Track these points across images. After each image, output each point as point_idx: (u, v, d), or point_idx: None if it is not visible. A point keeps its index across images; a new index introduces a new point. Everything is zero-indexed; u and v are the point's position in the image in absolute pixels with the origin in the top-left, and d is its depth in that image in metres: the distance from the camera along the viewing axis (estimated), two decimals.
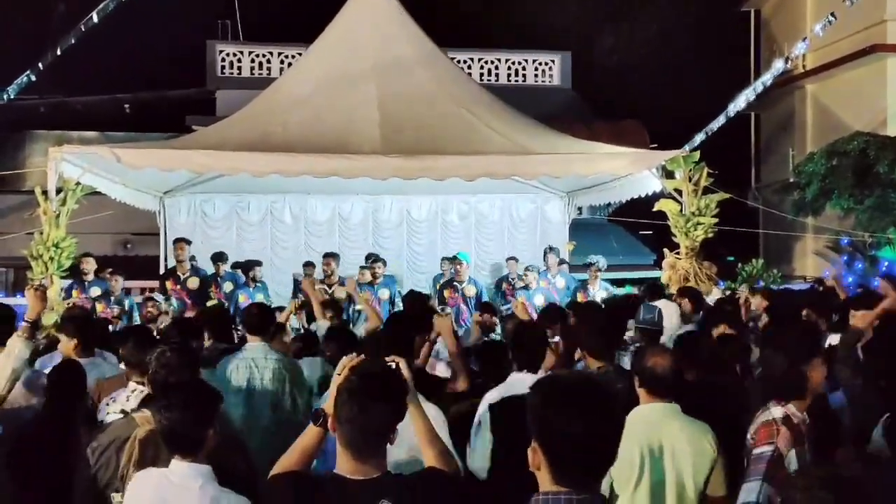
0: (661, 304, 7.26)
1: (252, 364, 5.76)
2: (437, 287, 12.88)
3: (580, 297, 11.60)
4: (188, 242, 12.33)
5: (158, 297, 11.12)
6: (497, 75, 23.15)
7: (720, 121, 16.82)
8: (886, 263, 16.41)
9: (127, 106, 24.86)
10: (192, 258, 12.44)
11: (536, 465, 2.33)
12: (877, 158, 15.47)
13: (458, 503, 2.98)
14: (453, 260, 12.90)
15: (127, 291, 12.42)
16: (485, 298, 12.23)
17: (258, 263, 12.46)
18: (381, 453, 2.87)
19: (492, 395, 4.71)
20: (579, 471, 2.32)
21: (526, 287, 12.11)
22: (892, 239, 16.20)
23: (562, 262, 13.35)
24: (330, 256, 12.46)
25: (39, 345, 5.10)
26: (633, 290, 13.48)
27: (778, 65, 17.38)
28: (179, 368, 4.21)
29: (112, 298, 11.32)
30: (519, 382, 4.55)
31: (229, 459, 3.77)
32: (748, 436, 3.96)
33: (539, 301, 11.11)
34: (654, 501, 3.84)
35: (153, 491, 3.38)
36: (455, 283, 12.60)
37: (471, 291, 12.46)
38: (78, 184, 10.36)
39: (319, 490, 2.86)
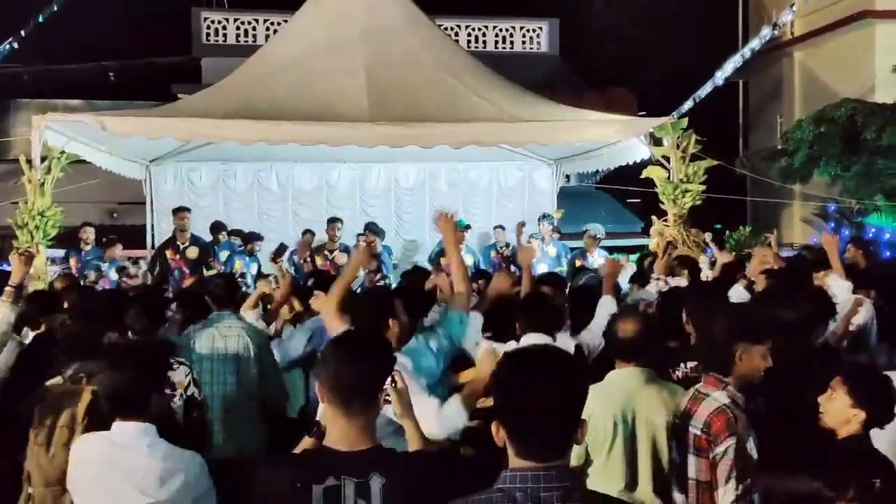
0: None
1: (216, 333, 5.70)
2: (434, 254, 12.82)
3: (579, 265, 11.52)
4: (189, 211, 12.27)
5: (129, 264, 11.07)
6: (484, 42, 23.00)
7: (708, 88, 16.77)
8: (873, 230, 16.49)
9: (112, 74, 24.66)
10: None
11: (501, 441, 2.32)
12: (864, 125, 15.48)
13: (449, 484, 2.98)
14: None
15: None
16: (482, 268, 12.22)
17: (259, 238, 12.42)
18: (370, 422, 2.85)
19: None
20: (540, 444, 2.29)
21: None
22: (879, 206, 16.26)
23: (554, 230, 13.32)
24: (336, 221, 12.54)
25: (24, 309, 5.03)
26: (622, 258, 13.53)
27: (766, 31, 17.31)
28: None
29: (97, 265, 11.27)
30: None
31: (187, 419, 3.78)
32: (696, 429, 3.53)
33: (542, 270, 11.05)
34: (627, 465, 3.85)
35: (97, 456, 3.33)
36: None
37: (468, 261, 12.34)
38: (63, 152, 10.29)
39: (309, 462, 2.85)
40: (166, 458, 3.33)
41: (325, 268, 11.72)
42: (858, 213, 16.98)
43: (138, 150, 12.73)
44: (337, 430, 2.82)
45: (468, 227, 12.84)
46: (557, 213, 14.68)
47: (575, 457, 3.39)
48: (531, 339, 4.82)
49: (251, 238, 12.36)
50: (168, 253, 11.82)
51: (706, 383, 3.65)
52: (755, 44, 17.35)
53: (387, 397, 3.07)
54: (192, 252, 11.82)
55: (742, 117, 25.29)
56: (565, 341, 5.02)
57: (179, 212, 12.12)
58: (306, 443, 3.08)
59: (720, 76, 16.81)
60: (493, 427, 2.32)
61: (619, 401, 3.91)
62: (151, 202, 14.07)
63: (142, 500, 3.24)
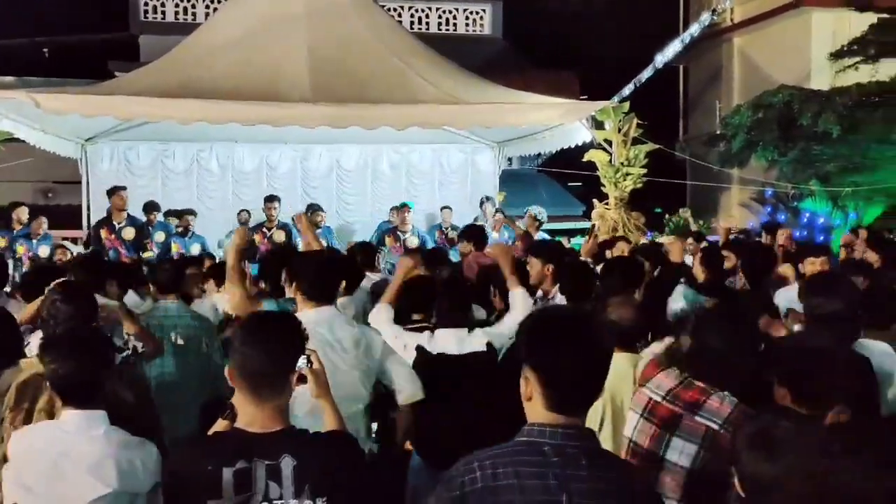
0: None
1: (162, 324, 5.58)
2: (380, 234, 12.82)
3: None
4: (125, 189, 12.04)
5: (69, 244, 10.87)
6: (427, 24, 22.89)
7: (649, 72, 16.94)
8: (808, 214, 16.82)
9: (46, 50, 24.09)
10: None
11: (529, 395, 2.37)
12: (800, 111, 15.74)
13: (361, 466, 2.97)
14: (401, 208, 12.81)
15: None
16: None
17: (191, 213, 12.25)
18: (281, 404, 2.83)
19: None
20: (571, 396, 2.36)
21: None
22: (814, 190, 16.58)
23: (497, 211, 13.33)
24: (273, 199, 12.49)
25: None
26: (563, 241, 13.62)
27: (705, 17, 17.53)
28: (68, 319, 4.11)
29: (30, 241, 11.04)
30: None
31: (135, 410, 3.72)
32: (711, 423, 3.25)
33: None
34: (616, 449, 3.83)
35: (46, 446, 3.21)
36: (398, 231, 12.55)
37: (413, 242, 12.34)
38: None
39: (219, 444, 2.82)
40: (123, 446, 3.22)
41: (264, 246, 11.65)
42: (794, 198, 17.31)
43: (74, 128, 12.43)
44: (248, 412, 2.79)
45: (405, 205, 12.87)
46: (499, 195, 14.72)
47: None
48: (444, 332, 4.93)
49: (182, 214, 12.15)
50: (103, 232, 11.61)
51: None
52: (695, 29, 17.59)
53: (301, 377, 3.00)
54: (129, 233, 11.64)
55: (682, 102, 25.54)
56: (479, 337, 5.00)
57: (116, 191, 11.91)
58: (220, 425, 3.01)
59: (661, 61, 16.99)
60: (523, 382, 2.39)
61: (611, 386, 3.88)
62: (88, 182, 13.78)
63: (101, 489, 3.13)
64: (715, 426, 3.21)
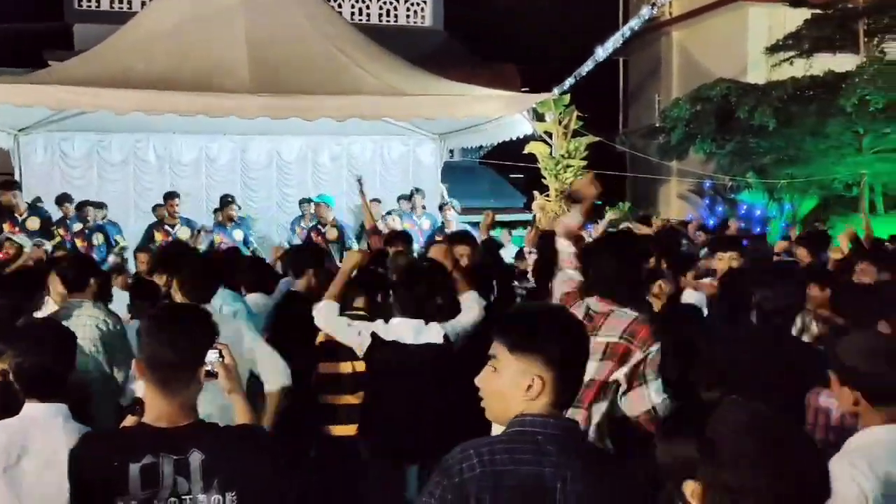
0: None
1: (74, 322, 5.35)
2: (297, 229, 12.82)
3: (438, 239, 11.56)
4: (11, 186, 11.69)
5: (15, 237, 10.62)
6: (368, 15, 22.76)
7: (589, 65, 17.02)
8: (745, 206, 17.08)
9: None
10: (38, 199, 11.98)
11: (536, 393, 2.37)
12: (737, 104, 15.95)
13: (272, 460, 2.94)
14: (316, 203, 12.75)
15: None
16: (348, 241, 12.18)
17: (92, 204, 12.03)
18: (190, 398, 2.79)
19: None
20: (574, 394, 2.51)
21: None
22: (751, 182, 16.85)
23: (443, 204, 13.29)
24: (174, 196, 12.30)
25: None
26: (504, 233, 13.67)
27: (645, 11, 17.65)
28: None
29: None
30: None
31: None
32: (610, 337, 3.98)
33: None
34: None
35: (6, 439, 3.14)
36: (319, 225, 12.50)
37: (333, 234, 12.30)
38: None
39: (125, 440, 2.77)
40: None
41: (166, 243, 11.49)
42: (732, 190, 17.57)
43: (6, 118, 12.14)
44: (155, 407, 2.75)
45: (332, 206, 12.78)
46: (441, 187, 14.73)
47: None
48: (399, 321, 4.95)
49: (81, 206, 11.95)
50: (6, 227, 11.32)
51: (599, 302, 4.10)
52: (635, 23, 17.65)
53: (210, 371, 2.91)
54: (33, 223, 11.38)
55: (622, 95, 25.75)
56: (436, 330, 4.96)
57: (8, 188, 11.57)
58: (129, 421, 2.96)
59: (601, 54, 17.07)
60: (527, 379, 2.38)
61: None
62: (21, 173, 13.45)
63: (58, 481, 3.05)
64: (613, 339, 3.96)
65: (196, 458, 2.68)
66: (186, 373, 2.77)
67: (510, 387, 2.39)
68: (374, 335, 4.87)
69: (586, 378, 3.65)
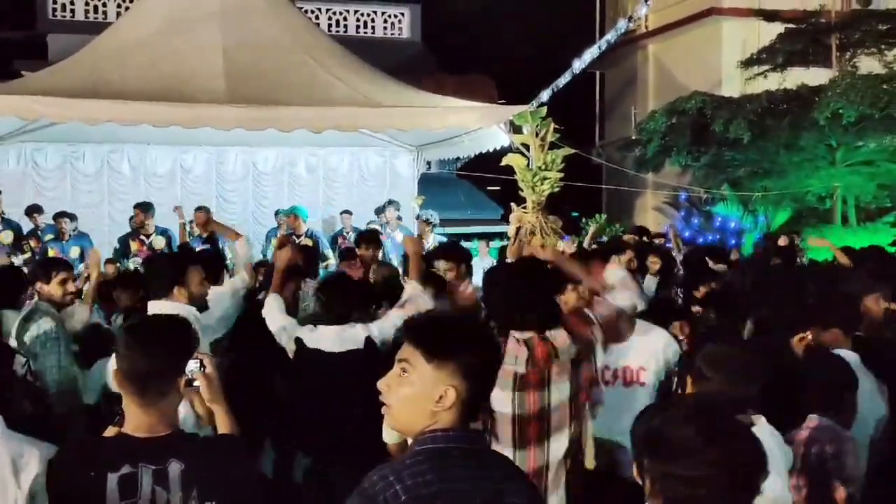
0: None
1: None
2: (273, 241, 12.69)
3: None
4: None
5: None
6: (346, 27, 22.78)
7: (566, 78, 17.07)
8: (720, 219, 17.18)
9: None
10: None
11: (449, 405, 2.28)
12: (713, 117, 16.05)
13: (251, 469, 2.90)
14: (289, 214, 12.66)
15: None
16: (324, 250, 12.10)
17: (67, 216, 11.90)
18: (169, 408, 2.76)
19: None
20: (478, 408, 2.41)
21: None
22: (726, 195, 16.95)
23: (417, 217, 13.25)
24: (149, 207, 11.97)
25: None
26: (481, 244, 13.68)
27: (621, 24, 17.74)
28: None
29: None
30: None
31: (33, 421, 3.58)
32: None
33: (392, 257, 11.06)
34: None
35: None
36: (294, 237, 12.41)
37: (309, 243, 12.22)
38: None
39: (104, 449, 2.73)
40: (23, 448, 2.97)
41: (142, 253, 11.36)
42: (707, 202, 17.67)
43: None
44: (134, 417, 2.72)
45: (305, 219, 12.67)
46: (418, 199, 14.70)
47: None
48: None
49: (57, 217, 11.77)
50: None
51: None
52: (611, 36, 17.72)
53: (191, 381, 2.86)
54: (7, 236, 11.27)
55: (599, 107, 25.86)
56: (360, 332, 5.07)
57: None
58: (109, 432, 2.91)
59: (578, 66, 17.13)
60: (441, 390, 2.28)
61: None
62: None
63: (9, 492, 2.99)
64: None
65: (175, 468, 2.65)
66: (164, 383, 2.73)
67: (422, 395, 2.29)
68: (297, 340, 5.04)
69: (554, 402, 3.63)
